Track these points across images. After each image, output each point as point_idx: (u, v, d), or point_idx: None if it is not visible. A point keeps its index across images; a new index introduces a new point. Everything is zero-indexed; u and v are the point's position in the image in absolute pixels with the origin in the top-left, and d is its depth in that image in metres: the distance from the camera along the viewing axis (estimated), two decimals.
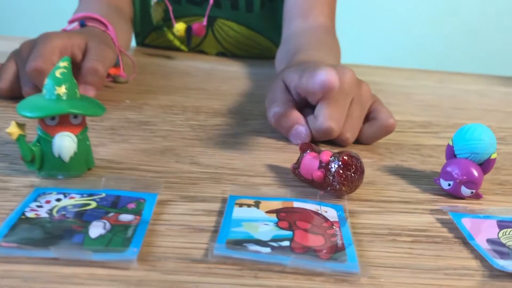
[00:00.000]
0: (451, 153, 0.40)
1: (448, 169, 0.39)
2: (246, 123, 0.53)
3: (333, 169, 0.35)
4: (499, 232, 0.33)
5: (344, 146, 0.47)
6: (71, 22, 0.63)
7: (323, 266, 0.27)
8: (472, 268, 0.29)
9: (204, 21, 0.82)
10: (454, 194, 0.39)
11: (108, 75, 0.63)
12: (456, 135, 0.39)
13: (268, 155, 0.44)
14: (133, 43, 0.99)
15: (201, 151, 0.43)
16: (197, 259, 0.27)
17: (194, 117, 0.53)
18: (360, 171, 0.35)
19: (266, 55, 0.92)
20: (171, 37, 0.88)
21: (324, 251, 0.28)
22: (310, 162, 0.37)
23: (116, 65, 0.63)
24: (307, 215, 0.32)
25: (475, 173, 0.38)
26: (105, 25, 0.63)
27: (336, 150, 0.39)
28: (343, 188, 0.35)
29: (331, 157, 0.36)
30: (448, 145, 0.40)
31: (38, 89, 0.49)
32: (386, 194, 0.38)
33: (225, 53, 0.92)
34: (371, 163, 0.44)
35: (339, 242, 0.29)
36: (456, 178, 0.38)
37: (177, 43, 0.93)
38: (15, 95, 0.51)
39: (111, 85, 0.63)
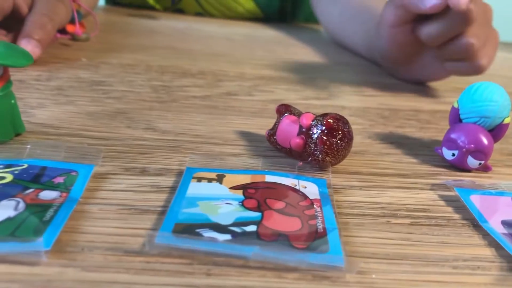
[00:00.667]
0: (455, 117, 0.33)
1: (453, 136, 0.32)
2: (218, 84, 0.46)
3: (315, 135, 0.28)
4: None
5: (478, 74, 0.46)
6: None
7: (298, 259, 0.21)
8: (486, 259, 0.23)
9: None
10: (459, 166, 0.33)
11: (66, 32, 0.55)
12: (463, 95, 0.33)
13: (241, 120, 0.37)
14: (102, 1, 0.92)
15: (160, 115, 0.36)
16: (133, 251, 0.21)
17: (158, 77, 0.46)
18: (348, 137, 0.29)
19: (247, 16, 0.85)
20: None
21: (300, 238, 0.22)
22: (288, 127, 0.31)
23: (72, 21, 0.55)
24: (281, 191, 0.26)
25: (485, 141, 0.32)
26: None
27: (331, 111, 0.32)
28: (327, 158, 0.29)
29: (313, 120, 0.29)
30: (453, 107, 0.34)
31: None
32: (379, 166, 0.32)
33: (203, 13, 0.85)
34: (361, 130, 0.38)
35: (320, 226, 0.23)
36: (462, 146, 0.32)
37: (151, 1, 0.85)
38: None
39: (69, 42, 0.56)
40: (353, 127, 0.38)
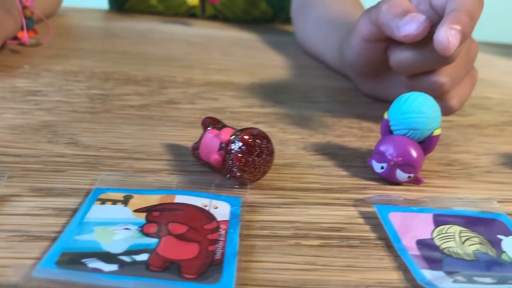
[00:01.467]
0: (386, 129, 0.33)
1: (381, 148, 0.31)
2: (162, 91, 0.45)
3: (232, 152, 0.28)
4: (434, 230, 0.26)
5: (446, 115, 0.41)
6: None
7: None
8: (390, 284, 0.22)
9: None
10: (388, 179, 0.32)
11: (15, 38, 0.54)
12: (393, 106, 0.32)
13: (174, 132, 0.36)
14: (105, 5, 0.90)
15: (87, 128, 0.35)
16: (9, 285, 0.20)
17: (99, 85, 0.44)
18: (266, 153, 0.28)
19: (258, 18, 0.84)
20: (154, 1, 0.81)
21: (193, 267, 0.21)
22: (211, 141, 0.30)
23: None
24: (187, 214, 0.25)
25: (414, 154, 0.31)
26: None
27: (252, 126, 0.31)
28: (245, 174, 0.28)
29: (231, 136, 0.28)
30: (384, 118, 0.33)
31: None
32: (306, 180, 0.31)
33: (217, 16, 0.85)
34: (297, 140, 0.37)
35: (219, 252, 0.22)
36: (390, 159, 0.31)
37: (160, 7, 0.84)
38: None
39: (19, 48, 0.54)
40: (291, 137, 0.38)
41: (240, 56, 0.62)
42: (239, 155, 0.27)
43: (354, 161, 0.35)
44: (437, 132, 0.31)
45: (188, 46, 0.64)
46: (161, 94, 0.44)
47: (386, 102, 0.46)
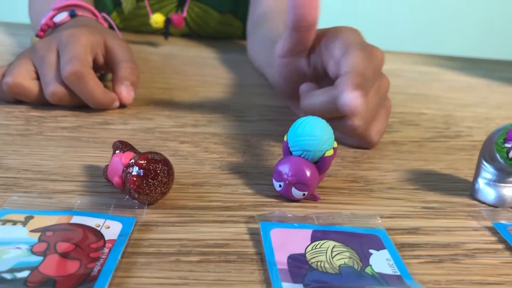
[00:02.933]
0: (287, 150, 0.35)
1: (279, 168, 0.34)
2: (99, 112, 0.47)
3: (128, 176, 0.30)
4: (308, 246, 0.29)
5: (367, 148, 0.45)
6: (57, 10, 0.55)
7: None
8: None
9: (184, 13, 0.78)
10: (286, 197, 0.34)
11: None
12: (290, 129, 0.35)
13: (97, 153, 0.39)
14: None
15: (16, 150, 0.38)
16: None
17: (40, 107, 0.47)
18: (162, 175, 0.30)
19: (239, 34, 0.87)
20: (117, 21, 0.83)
21: (67, 283, 0.23)
22: (116, 165, 0.32)
23: None
24: (77, 233, 0.27)
25: (307, 173, 0.33)
26: (94, 14, 0.58)
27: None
28: (141, 196, 0.30)
29: (130, 160, 0.31)
30: (284, 141, 0.35)
31: (65, 89, 0.45)
32: (209, 199, 0.34)
33: (191, 34, 0.87)
34: (215, 160, 0.40)
35: (97, 268, 0.25)
36: (286, 178, 0.34)
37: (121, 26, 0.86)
38: (24, 96, 0.46)
39: None
40: (210, 156, 0.40)
41: (191, 74, 0.65)
42: (134, 178, 0.30)
43: (263, 179, 0.37)
44: (328, 153, 0.34)
45: (141, 64, 0.67)
46: (97, 115, 0.47)
47: None
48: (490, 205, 0.37)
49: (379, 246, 0.29)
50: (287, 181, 0.33)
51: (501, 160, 0.35)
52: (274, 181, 0.34)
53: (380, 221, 0.32)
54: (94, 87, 0.45)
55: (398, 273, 0.27)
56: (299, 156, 0.34)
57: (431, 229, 0.33)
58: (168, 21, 0.77)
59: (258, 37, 0.67)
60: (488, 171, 0.37)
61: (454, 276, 0.28)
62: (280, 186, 0.34)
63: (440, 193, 0.38)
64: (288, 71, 0.45)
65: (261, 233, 0.29)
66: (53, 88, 0.44)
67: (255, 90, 0.60)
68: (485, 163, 0.37)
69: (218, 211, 0.32)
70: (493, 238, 0.32)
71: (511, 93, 0.73)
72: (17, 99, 0.46)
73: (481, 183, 0.37)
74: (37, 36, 0.56)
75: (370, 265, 0.28)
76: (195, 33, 0.87)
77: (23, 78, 0.45)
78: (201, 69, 0.68)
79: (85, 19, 0.54)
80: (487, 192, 0.37)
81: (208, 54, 0.77)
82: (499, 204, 0.37)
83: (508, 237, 0.32)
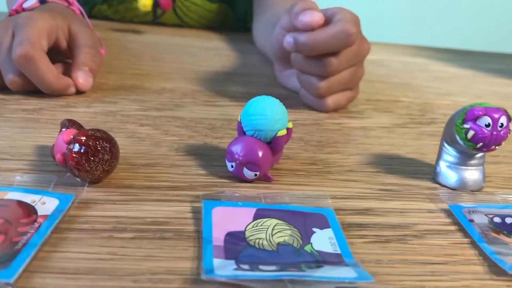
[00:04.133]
0: (241, 130, 0.35)
1: (231, 148, 0.33)
2: (65, 96, 0.47)
3: (68, 152, 0.29)
4: (250, 224, 0.28)
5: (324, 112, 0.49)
6: None
7: None
8: (178, 272, 0.24)
9: None
10: (238, 177, 0.34)
11: None
12: (243, 109, 0.34)
13: (53, 134, 0.38)
14: None
15: None
16: None
17: (7, 91, 0.46)
18: (104, 152, 0.30)
19: (231, 24, 0.86)
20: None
21: None
22: (60, 142, 0.32)
23: None
24: (8, 209, 0.27)
25: (258, 153, 0.33)
26: (67, 0, 0.57)
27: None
28: (81, 173, 0.30)
29: (71, 137, 0.30)
30: (238, 121, 0.35)
31: (24, 76, 0.44)
32: (158, 179, 0.33)
33: (183, 26, 0.86)
34: (173, 142, 0.39)
35: (21, 243, 0.24)
36: (237, 158, 0.33)
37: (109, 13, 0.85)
38: None
39: None
40: (168, 138, 0.39)
41: (169, 61, 0.64)
42: (73, 155, 0.29)
43: (219, 161, 0.36)
44: (281, 133, 0.33)
45: (119, 51, 0.66)
46: (61, 99, 0.46)
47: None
48: (451, 188, 0.36)
49: (324, 225, 0.29)
50: (238, 161, 0.33)
51: (461, 142, 0.34)
52: (227, 161, 0.34)
53: (330, 201, 0.31)
54: (45, 70, 0.44)
55: (339, 252, 0.26)
56: (252, 136, 0.33)
57: (383, 210, 0.32)
58: (156, 4, 0.77)
59: (262, 20, 0.71)
60: (449, 154, 0.36)
61: (398, 256, 0.27)
62: (232, 166, 0.33)
63: (401, 176, 0.37)
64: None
65: (203, 211, 0.28)
66: (12, 77, 0.44)
67: (232, 78, 0.60)
68: (446, 145, 0.36)
69: (164, 191, 0.31)
70: (447, 220, 0.31)
71: (495, 83, 0.72)
72: None
73: (442, 166, 0.37)
74: None
75: (311, 243, 0.27)
76: (186, 25, 0.86)
77: None
78: (180, 57, 0.67)
79: (53, 5, 0.53)
80: (448, 175, 0.36)
81: (192, 43, 0.77)
82: (460, 187, 0.36)
83: (462, 219, 0.31)
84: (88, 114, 0.43)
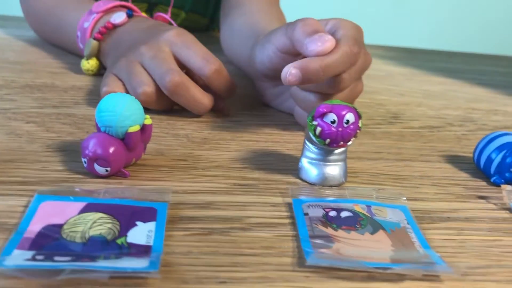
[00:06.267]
0: (97, 126, 0.35)
1: (83, 144, 0.34)
2: None
3: None
4: (73, 217, 0.29)
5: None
6: (103, 12, 0.55)
7: None
8: None
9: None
10: (92, 172, 0.34)
11: None
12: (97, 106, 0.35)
13: None
14: None
15: None
16: None
17: None
18: None
19: (202, 28, 0.87)
20: None
21: None
22: None
23: None
24: None
25: (108, 149, 0.33)
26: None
27: None
28: None
29: None
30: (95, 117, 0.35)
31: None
32: (12, 174, 0.34)
33: None
34: (49, 138, 0.40)
35: None
36: (87, 154, 0.34)
37: None
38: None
39: None
40: (47, 135, 0.40)
41: None
42: None
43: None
44: (132, 129, 0.34)
45: (57, 54, 0.67)
46: None
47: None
48: (312, 184, 0.36)
49: (150, 219, 0.29)
50: (88, 157, 0.33)
51: (313, 138, 0.35)
52: (82, 157, 0.35)
53: (171, 195, 0.32)
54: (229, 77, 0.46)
55: (151, 244, 0.27)
56: (104, 132, 0.34)
57: (226, 204, 0.32)
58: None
59: (234, 29, 0.64)
60: (310, 151, 0.37)
61: (211, 248, 0.28)
62: (85, 162, 0.34)
63: (267, 171, 0.38)
64: (282, 61, 0.44)
65: (30, 205, 0.29)
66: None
67: None
68: (307, 142, 0.37)
69: (9, 186, 0.32)
70: (285, 214, 0.32)
71: (428, 81, 0.73)
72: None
73: (304, 162, 0.37)
74: (95, 39, 0.53)
75: (126, 236, 0.27)
76: None
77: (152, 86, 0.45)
78: None
79: (143, 19, 0.54)
80: (309, 170, 0.37)
81: None
82: (320, 183, 0.36)
83: (297, 212, 0.32)
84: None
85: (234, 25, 0.65)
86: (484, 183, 0.40)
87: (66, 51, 0.65)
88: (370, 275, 0.27)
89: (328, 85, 0.42)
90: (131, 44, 0.48)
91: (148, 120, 0.35)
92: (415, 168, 0.41)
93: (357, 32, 0.43)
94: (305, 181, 0.37)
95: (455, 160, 0.44)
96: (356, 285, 0.26)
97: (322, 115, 0.34)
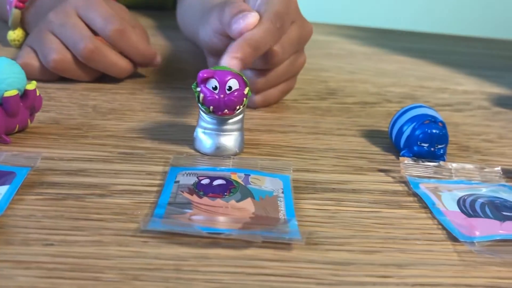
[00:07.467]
0: None
1: None
2: None
3: None
4: None
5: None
6: None
7: None
8: None
9: None
10: None
11: None
12: None
13: None
14: None
15: None
16: None
17: None
18: None
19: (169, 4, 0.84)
20: None
21: None
22: None
23: None
24: None
25: None
26: None
27: None
28: None
29: None
30: None
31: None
32: None
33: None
34: None
35: None
36: None
37: None
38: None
39: None
40: None
41: None
42: None
43: None
44: (9, 93, 0.33)
45: None
46: None
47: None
48: (205, 154, 0.35)
49: (4, 183, 0.28)
50: None
51: (199, 105, 0.34)
52: None
53: (39, 161, 0.31)
54: (138, 39, 0.45)
55: None
56: None
57: (97, 172, 0.31)
58: None
59: (186, 5, 0.63)
60: (204, 120, 0.35)
61: (56, 213, 0.27)
62: None
63: (162, 142, 0.36)
64: (220, 42, 0.43)
65: None
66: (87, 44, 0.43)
67: None
68: (201, 112, 0.35)
69: None
70: (156, 182, 0.31)
71: (386, 60, 0.70)
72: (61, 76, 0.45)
73: (199, 132, 0.36)
74: (16, 7, 0.52)
75: None
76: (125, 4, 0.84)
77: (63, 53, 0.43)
78: None
79: None
80: (204, 141, 0.35)
81: None
82: (214, 153, 0.35)
83: (168, 180, 0.30)
84: None
85: (185, 5, 0.63)
86: (393, 157, 0.38)
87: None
88: (214, 241, 0.25)
89: (261, 60, 0.41)
90: (48, 12, 0.47)
91: (30, 85, 0.34)
92: (324, 141, 0.40)
93: (284, 6, 0.41)
94: (198, 151, 0.36)
95: (373, 135, 0.42)
96: (195, 251, 0.25)
97: (204, 80, 0.33)
